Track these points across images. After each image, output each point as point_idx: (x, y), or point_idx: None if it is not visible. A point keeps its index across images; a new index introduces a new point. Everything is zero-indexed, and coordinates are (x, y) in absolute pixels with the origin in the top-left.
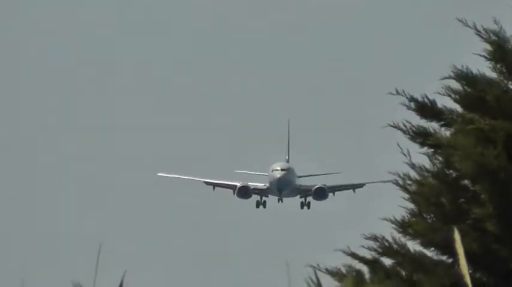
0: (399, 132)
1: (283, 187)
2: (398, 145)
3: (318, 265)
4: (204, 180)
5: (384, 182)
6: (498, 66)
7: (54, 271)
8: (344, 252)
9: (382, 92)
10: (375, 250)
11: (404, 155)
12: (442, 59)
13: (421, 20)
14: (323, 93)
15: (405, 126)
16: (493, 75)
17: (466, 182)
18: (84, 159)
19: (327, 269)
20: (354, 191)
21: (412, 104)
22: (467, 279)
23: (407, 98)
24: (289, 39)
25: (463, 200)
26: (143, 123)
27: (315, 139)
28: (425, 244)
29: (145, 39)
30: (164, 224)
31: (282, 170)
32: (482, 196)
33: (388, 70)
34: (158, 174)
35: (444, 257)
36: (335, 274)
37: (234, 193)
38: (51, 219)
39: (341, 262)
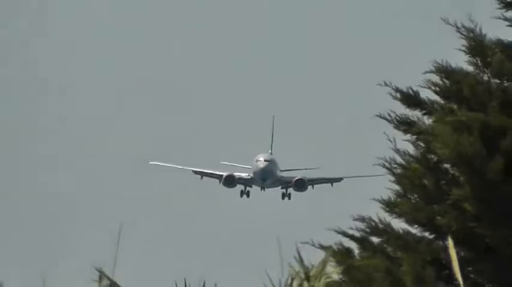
0: (381, 128)
1: (266, 176)
2: (385, 133)
3: (312, 241)
4: (193, 169)
5: (361, 177)
6: (474, 60)
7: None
8: (335, 231)
9: (368, 86)
10: (363, 230)
11: (390, 141)
12: (426, 54)
13: (408, 17)
14: (308, 90)
15: (390, 116)
16: (470, 68)
17: (446, 166)
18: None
19: (320, 245)
20: (332, 185)
21: (398, 95)
22: (461, 284)
23: (393, 89)
24: (282, 37)
25: (443, 182)
26: (137, 117)
27: (297, 135)
28: (409, 222)
29: (138, 37)
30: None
31: (265, 160)
32: (461, 179)
33: (373, 64)
34: (150, 162)
35: (426, 234)
36: (327, 249)
37: (220, 182)
38: (46, 209)
39: (333, 240)
